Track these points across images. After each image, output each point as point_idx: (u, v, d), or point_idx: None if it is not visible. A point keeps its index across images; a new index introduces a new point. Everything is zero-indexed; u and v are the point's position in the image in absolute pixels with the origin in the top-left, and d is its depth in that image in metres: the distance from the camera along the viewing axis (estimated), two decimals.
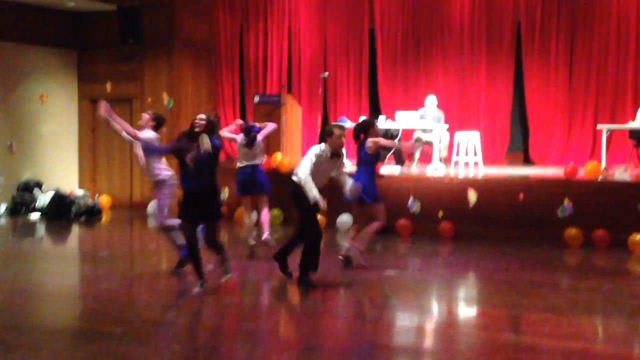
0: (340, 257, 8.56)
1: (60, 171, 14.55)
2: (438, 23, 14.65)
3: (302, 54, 15.69)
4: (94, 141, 14.83)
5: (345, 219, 11.07)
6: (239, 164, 9.15)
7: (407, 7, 14.90)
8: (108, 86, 14.20)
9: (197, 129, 6.85)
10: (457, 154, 12.15)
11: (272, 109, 12.94)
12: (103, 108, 7.62)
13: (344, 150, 7.71)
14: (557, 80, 13.84)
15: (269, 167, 11.77)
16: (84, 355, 5.33)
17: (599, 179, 10.47)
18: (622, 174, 10.96)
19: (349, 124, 11.67)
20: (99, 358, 5.26)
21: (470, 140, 12.12)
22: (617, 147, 12.73)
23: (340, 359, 5.48)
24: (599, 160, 11.26)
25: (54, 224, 12.40)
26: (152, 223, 7.96)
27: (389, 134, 12.28)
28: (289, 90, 15.09)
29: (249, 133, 9.00)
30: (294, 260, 7.54)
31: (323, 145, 7.40)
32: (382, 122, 12.37)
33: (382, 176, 9.66)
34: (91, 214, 13.01)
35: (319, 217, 8.05)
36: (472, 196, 10.50)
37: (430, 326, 6.44)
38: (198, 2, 14.51)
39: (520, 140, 14.36)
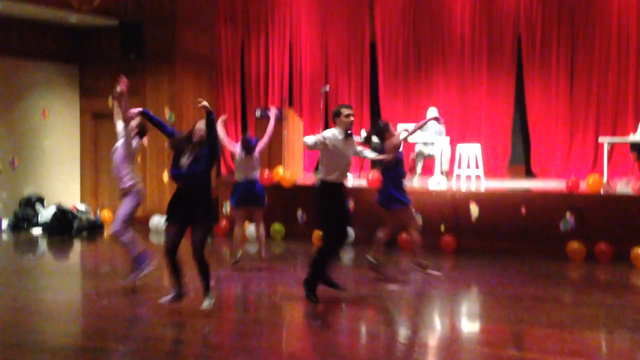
0: (367, 257, 8.73)
1: (62, 186, 14.57)
2: (439, 36, 14.69)
3: (303, 67, 15.73)
4: (96, 156, 14.86)
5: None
6: (237, 178, 9.30)
7: (408, 20, 14.94)
8: (110, 101, 14.18)
9: (195, 140, 6.82)
10: (459, 167, 12.13)
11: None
12: (124, 83, 7.76)
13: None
14: (558, 92, 13.86)
15: (271, 181, 11.76)
16: None
17: (601, 192, 10.47)
18: (624, 187, 10.96)
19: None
20: None
21: (471, 152, 12.11)
22: (619, 159, 12.74)
23: None
24: (601, 173, 11.26)
25: (56, 239, 12.39)
26: (112, 230, 8.11)
27: None
28: (291, 104, 15.12)
29: (248, 146, 9.15)
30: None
31: (333, 128, 7.47)
32: None
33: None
34: (93, 229, 13.02)
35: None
36: (474, 210, 10.48)
37: (432, 342, 6.41)
38: (199, 16, 14.56)
39: (521, 153, 14.37)
